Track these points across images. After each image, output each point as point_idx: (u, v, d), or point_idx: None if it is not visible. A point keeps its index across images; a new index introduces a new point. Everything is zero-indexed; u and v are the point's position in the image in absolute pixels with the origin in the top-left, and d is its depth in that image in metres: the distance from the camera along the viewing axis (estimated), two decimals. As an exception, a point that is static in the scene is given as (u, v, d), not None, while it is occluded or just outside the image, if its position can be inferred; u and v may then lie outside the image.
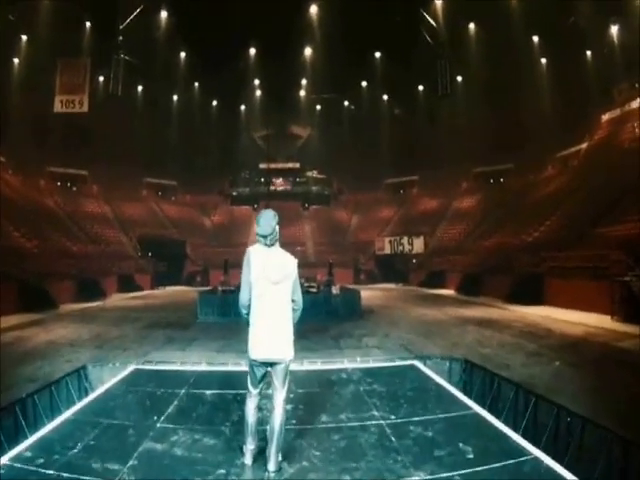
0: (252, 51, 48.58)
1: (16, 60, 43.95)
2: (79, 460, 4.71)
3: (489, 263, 32.08)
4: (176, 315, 22.38)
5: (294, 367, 8.79)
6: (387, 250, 47.91)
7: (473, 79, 46.17)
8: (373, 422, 5.70)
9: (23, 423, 6.10)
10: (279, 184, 59.22)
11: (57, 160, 48.70)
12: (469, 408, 6.16)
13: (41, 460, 4.66)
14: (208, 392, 7.06)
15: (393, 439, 5.19)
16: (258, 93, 55.46)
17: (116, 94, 40.08)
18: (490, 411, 6.21)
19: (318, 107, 57.13)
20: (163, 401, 6.62)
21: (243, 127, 59.66)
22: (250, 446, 4.81)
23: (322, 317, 19.83)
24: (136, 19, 39.44)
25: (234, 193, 59.56)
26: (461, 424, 5.63)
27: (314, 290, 23.76)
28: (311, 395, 6.86)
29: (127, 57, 40.16)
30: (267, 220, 4.85)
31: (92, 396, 7.00)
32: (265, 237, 4.82)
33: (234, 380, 7.29)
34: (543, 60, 43.87)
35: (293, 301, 4.89)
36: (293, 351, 4.84)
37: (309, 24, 43.68)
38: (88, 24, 42.13)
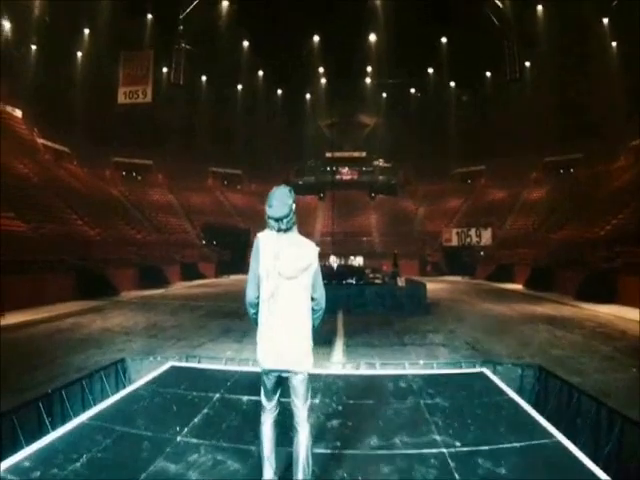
0: (316, 38, 47.77)
1: (79, 53, 44.88)
2: (79, 477, 4.12)
3: (559, 257, 30.39)
4: (236, 304, 21.72)
5: (349, 371, 8.14)
6: (454, 242, 46.36)
7: (542, 64, 44.20)
8: (433, 450, 4.63)
9: (47, 422, 5.57)
10: (345, 173, 58.23)
11: (122, 150, 49.17)
12: (550, 435, 4.96)
13: (37, 473, 4.15)
14: (245, 398, 6.18)
15: (457, 477, 4.12)
16: (323, 81, 54.65)
17: (178, 83, 40.17)
18: (567, 431, 5.13)
19: (384, 95, 55.90)
20: (192, 407, 5.86)
21: (309, 116, 58.90)
22: (268, 476, 3.95)
23: (386, 310, 18.89)
24: (197, 8, 39.25)
25: (300, 182, 58.56)
26: (540, 458, 4.50)
27: (379, 281, 22.94)
28: (362, 408, 5.85)
29: (188, 46, 40.04)
30: (281, 198, 3.92)
31: (114, 397, 6.31)
32: (278, 220, 3.90)
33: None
34: (614, 44, 41.40)
35: (313, 299, 4.01)
36: (312, 360, 4.01)
37: (374, 9, 42.74)
38: (150, 16, 42.40)
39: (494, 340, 13.48)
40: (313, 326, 4.04)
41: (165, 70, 44.65)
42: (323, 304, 4.08)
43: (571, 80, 41.62)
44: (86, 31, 43.65)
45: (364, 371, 7.89)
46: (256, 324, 3.98)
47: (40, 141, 43.22)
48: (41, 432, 5.29)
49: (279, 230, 3.91)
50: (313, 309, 4.01)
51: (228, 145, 54.02)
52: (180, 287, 32.20)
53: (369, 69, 52.12)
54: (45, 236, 27.62)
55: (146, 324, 16.46)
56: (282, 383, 4.05)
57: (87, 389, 6.58)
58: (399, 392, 6.49)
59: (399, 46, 41.93)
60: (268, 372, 3.96)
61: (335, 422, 5.14)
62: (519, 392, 6.65)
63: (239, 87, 55.23)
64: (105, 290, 25.19)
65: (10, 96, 41.22)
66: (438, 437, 4.89)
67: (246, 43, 48.59)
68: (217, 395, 6.30)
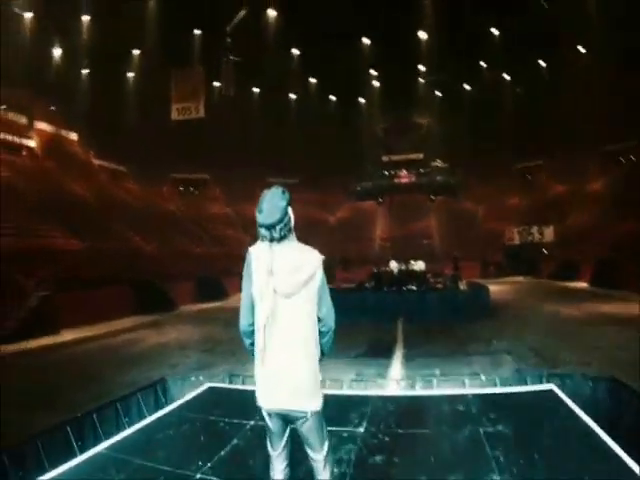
0: (366, 40, 47.09)
1: (130, 74, 46.04)
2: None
3: (626, 253, 28.94)
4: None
5: (401, 392, 7.20)
6: (516, 240, 45.11)
7: (598, 48, 42.06)
8: (493, 496, 3.77)
9: (76, 447, 5.25)
10: (403, 176, 56.86)
11: (179, 166, 49.60)
12: (631, 472, 3.95)
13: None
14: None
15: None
16: (376, 84, 53.82)
17: (229, 96, 40.18)
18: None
19: (438, 93, 54.63)
20: (221, 436, 5.26)
21: (363, 120, 58.02)
22: None
23: (448, 316, 18.08)
24: (243, 19, 39.20)
25: (357, 188, 57.94)
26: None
27: (440, 286, 22.19)
28: (412, 440, 5.03)
29: (236, 58, 39.96)
30: (273, 201, 3.31)
31: (141, 423, 5.85)
32: (270, 228, 3.27)
33: (329, 407, 5.80)
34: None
35: (319, 320, 3.37)
36: (321, 397, 3.33)
37: (422, 6, 41.99)
38: (197, 31, 42.78)
39: (562, 346, 12.52)
40: (322, 353, 3.44)
41: (216, 84, 44.77)
42: (332, 324, 3.44)
43: (630, 64, 39.63)
44: (135, 52, 44.54)
45: (418, 391, 7.02)
46: (254, 356, 3.36)
47: (96, 162, 44.24)
48: (69, 457, 4.94)
49: (272, 240, 3.28)
50: (320, 332, 3.39)
51: (283, 155, 53.70)
52: (238, 299, 31.80)
53: (421, 68, 51.06)
54: (101, 253, 27.91)
55: (202, 338, 16.50)
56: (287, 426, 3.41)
57: (122, 411, 6.25)
58: (456, 417, 5.63)
59: (450, 42, 41.04)
60: (269, 413, 3.31)
61: (379, 458, 4.45)
62: (591, 409, 5.62)
63: (291, 96, 55.01)
64: (163, 304, 25.34)
65: (65, 120, 42.57)
66: (499, 478, 4.01)
67: (295, 51, 48.24)
68: (252, 422, 5.56)
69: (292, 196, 3.42)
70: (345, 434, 5.11)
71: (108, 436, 5.52)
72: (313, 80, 53.72)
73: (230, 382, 7.64)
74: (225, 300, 30.87)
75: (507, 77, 51.88)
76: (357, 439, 4.97)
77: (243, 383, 7.55)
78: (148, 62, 43.16)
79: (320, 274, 3.34)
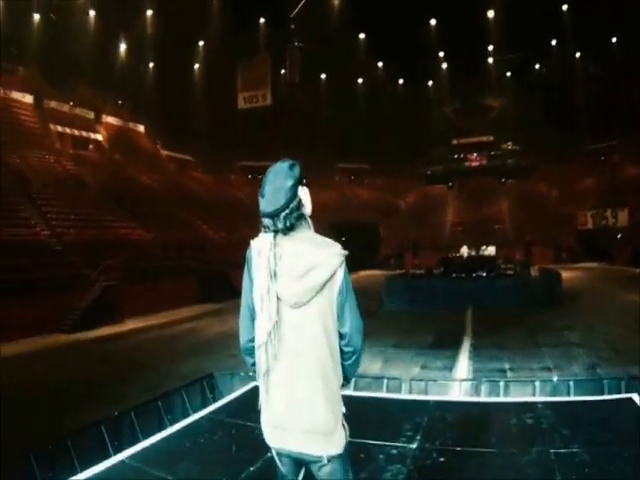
0: (433, 22, 46.07)
1: (196, 65, 46.54)
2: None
3: None
4: (362, 302, 20.75)
5: (465, 398, 6.53)
6: (589, 225, 43.16)
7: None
8: None
9: (110, 448, 5.10)
10: (473, 159, 55.77)
11: (247, 154, 49.78)
12: None
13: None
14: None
15: None
16: (444, 66, 52.66)
17: (295, 83, 39.95)
18: None
19: (508, 74, 52.89)
20: (256, 447, 4.30)
21: (432, 103, 56.74)
22: None
23: (519, 304, 17.32)
24: (308, 5, 38.86)
25: (428, 172, 57.14)
26: None
27: (511, 272, 21.41)
28: (470, 462, 4.26)
29: (302, 44, 39.69)
30: (275, 182, 2.54)
31: (170, 429, 5.46)
32: (273, 217, 2.51)
33: (381, 416, 5.32)
34: None
35: (341, 337, 2.54)
36: (343, 437, 2.52)
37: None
38: (262, 19, 42.80)
39: (638, 338, 11.73)
40: (346, 378, 2.62)
41: (282, 71, 44.72)
42: (358, 342, 2.58)
43: None
44: (201, 43, 44.92)
45: (482, 398, 6.31)
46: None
47: (164, 153, 44.88)
48: (105, 457, 4.76)
49: (276, 231, 2.51)
50: (342, 351, 2.55)
51: (353, 140, 53.17)
52: None
53: (490, 48, 49.59)
54: (168, 243, 28.19)
55: None
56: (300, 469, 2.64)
57: (164, 409, 6.05)
58: (523, 432, 4.84)
59: (519, 20, 39.57)
60: (279, 453, 2.56)
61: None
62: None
63: (359, 81, 54.30)
64: (229, 293, 25.21)
65: (133, 113, 43.83)
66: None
67: (362, 35, 47.60)
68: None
69: (302, 171, 2.62)
70: (394, 451, 4.44)
71: (147, 435, 5.29)
72: (380, 64, 52.82)
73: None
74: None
75: (579, 55, 49.89)
76: (407, 458, 4.29)
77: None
78: (214, 52, 43.44)
79: (341, 276, 2.50)
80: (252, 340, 2.54)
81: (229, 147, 46.92)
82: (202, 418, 5.76)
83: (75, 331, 18.25)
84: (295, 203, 2.52)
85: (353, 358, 2.58)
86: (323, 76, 52.44)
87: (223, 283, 25.54)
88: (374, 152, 53.58)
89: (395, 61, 48.20)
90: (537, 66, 51.65)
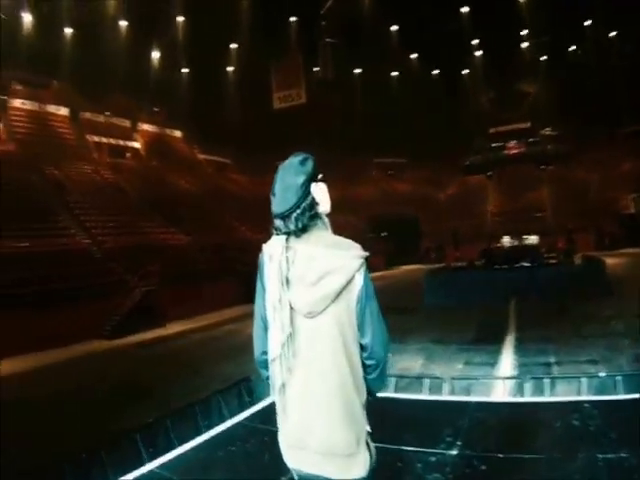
0: (465, 9, 45.45)
1: (229, 68, 46.95)
2: None
3: None
4: (403, 297, 20.75)
5: (508, 398, 6.24)
6: (631, 209, 41.92)
7: None
8: None
9: (144, 455, 4.99)
10: (512, 147, 54.70)
11: (283, 154, 49.53)
12: None
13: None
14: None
15: None
16: (478, 54, 51.96)
17: (328, 79, 39.83)
18: None
19: (543, 57, 51.88)
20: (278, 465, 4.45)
21: (468, 93, 56.28)
22: None
23: (562, 294, 16.86)
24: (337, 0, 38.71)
25: (466, 163, 56.44)
26: None
27: (554, 261, 20.98)
28: (514, 469, 3.98)
29: (333, 40, 39.52)
30: (286, 179, 2.38)
31: (206, 435, 5.42)
32: (284, 217, 2.31)
33: (420, 419, 5.10)
34: None
35: (363, 349, 2.28)
36: (367, 459, 2.25)
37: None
38: (293, 18, 42.91)
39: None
40: (370, 394, 2.35)
41: (315, 68, 44.64)
42: (382, 354, 2.29)
43: None
44: (232, 45, 44.97)
45: (527, 398, 6.01)
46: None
47: (201, 157, 45.30)
48: (138, 466, 4.74)
49: (288, 234, 2.31)
50: (365, 365, 2.29)
51: (389, 134, 52.83)
52: None
53: (524, 32, 48.79)
54: (208, 246, 28.38)
55: None
56: None
57: (200, 415, 5.96)
58: (569, 435, 4.52)
59: (551, 1, 38.94)
60: (297, 474, 2.32)
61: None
62: None
63: (393, 74, 53.90)
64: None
65: (169, 119, 44.43)
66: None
67: (394, 27, 47.19)
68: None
69: (316, 165, 2.43)
70: (433, 458, 4.21)
71: (182, 442, 5.22)
72: (414, 55, 52.36)
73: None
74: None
75: (614, 34, 48.70)
76: (446, 466, 4.05)
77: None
78: (246, 54, 43.60)
79: (360, 281, 2.23)
80: (266, 352, 2.34)
81: (265, 148, 46.93)
82: (236, 425, 5.70)
83: (116, 337, 18.56)
84: (308, 202, 2.33)
85: (376, 372, 2.31)
86: (357, 71, 52.16)
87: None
88: (411, 145, 53.22)
89: (428, 52, 47.79)
90: (572, 48, 50.60)
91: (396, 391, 6.56)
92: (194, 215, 32.21)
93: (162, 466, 4.64)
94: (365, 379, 2.30)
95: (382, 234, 43.43)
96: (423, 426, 4.84)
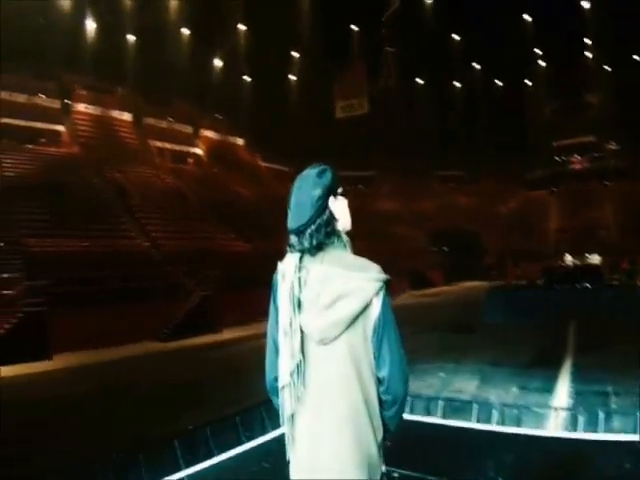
0: (527, 18, 44.76)
1: (291, 77, 47.54)
2: None
3: None
4: (462, 315, 20.47)
5: (558, 433, 5.88)
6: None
7: None
8: None
9: (182, 462, 5.05)
10: (575, 162, 53.61)
11: (345, 164, 49.78)
12: None
13: None
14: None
15: None
16: (542, 63, 51.02)
17: (390, 88, 39.73)
18: None
19: (608, 68, 50.45)
20: None
21: (531, 103, 55.31)
22: None
23: (625, 317, 16.19)
24: (398, 9, 38.57)
25: (528, 177, 55.39)
26: None
27: (616, 283, 20.34)
28: None
29: (394, 49, 39.40)
30: (301, 192, 2.19)
31: (240, 448, 5.39)
32: (299, 234, 2.13)
33: (463, 450, 4.84)
34: None
35: (380, 382, 2.07)
36: None
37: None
38: (354, 27, 42.91)
39: None
40: (387, 431, 2.13)
41: (376, 77, 44.57)
42: (400, 390, 2.08)
43: None
44: (295, 54, 45.44)
45: (579, 433, 5.54)
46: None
47: (263, 165, 45.54)
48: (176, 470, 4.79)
49: (302, 251, 2.12)
50: (382, 400, 2.08)
51: (451, 146, 52.37)
52: (407, 297, 31.74)
53: (588, 41, 47.70)
54: (267, 253, 28.43)
55: None
56: None
57: (241, 426, 5.98)
58: None
59: (615, 9, 38.30)
60: None
61: None
62: None
63: (455, 83, 53.35)
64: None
65: (231, 127, 45.19)
66: None
67: (456, 36, 46.74)
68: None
69: (336, 178, 2.27)
70: None
71: (221, 451, 5.20)
72: (477, 65, 51.78)
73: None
74: (393, 299, 30.11)
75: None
76: None
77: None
78: (308, 63, 43.82)
79: (378, 307, 2.04)
80: (276, 379, 2.15)
81: (327, 157, 46.98)
82: (274, 439, 5.57)
83: (172, 339, 18.95)
84: (325, 217, 2.15)
85: (394, 409, 2.10)
86: (419, 81, 51.71)
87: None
88: (473, 157, 52.60)
89: (491, 61, 47.22)
90: (637, 57, 49.14)
91: (444, 416, 6.35)
92: (254, 222, 32.54)
93: (197, 474, 4.62)
94: (382, 415, 2.10)
95: (442, 248, 43.11)
96: (465, 457, 4.66)
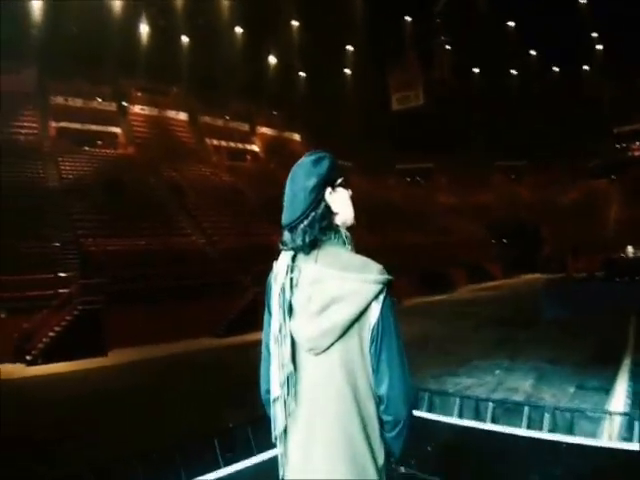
0: (583, 1, 43.56)
1: (347, 70, 47.15)
2: None
3: None
4: (519, 309, 20.19)
5: (610, 443, 5.25)
6: None
7: None
8: None
9: (220, 460, 5.02)
10: (637, 149, 52.25)
11: (403, 157, 49.59)
12: None
13: None
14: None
15: None
16: (599, 47, 49.56)
17: (444, 79, 39.28)
18: None
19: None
20: None
21: (589, 90, 53.39)
22: None
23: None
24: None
25: (589, 166, 53.88)
26: None
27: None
28: None
29: (448, 39, 38.86)
30: (297, 183, 1.91)
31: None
32: (292, 229, 1.88)
33: (507, 460, 4.43)
34: None
35: (380, 400, 1.77)
36: None
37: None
38: (407, 18, 42.36)
39: None
40: (390, 454, 1.82)
41: (431, 68, 44.09)
42: (402, 411, 1.76)
43: None
44: (349, 47, 45.31)
45: (633, 445, 4.82)
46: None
47: (319, 159, 45.90)
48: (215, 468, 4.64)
49: (295, 250, 1.87)
50: (382, 419, 1.78)
51: (509, 137, 51.27)
52: (465, 291, 31.48)
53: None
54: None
55: (417, 334, 15.89)
56: None
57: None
58: None
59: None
60: None
61: None
62: None
63: (512, 72, 52.20)
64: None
65: (287, 122, 45.88)
66: None
67: (511, 23, 45.81)
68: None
69: (335, 166, 1.95)
70: None
71: (261, 450, 4.97)
72: (534, 52, 50.52)
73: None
74: (450, 292, 30.46)
75: None
76: None
77: (431, 398, 6.63)
78: (362, 56, 43.53)
79: (376, 314, 1.74)
80: (269, 391, 1.89)
81: (384, 150, 46.92)
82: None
83: (227, 335, 19.34)
84: (319, 211, 1.86)
85: (396, 430, 1.78)
86: (474, 70, 50.85)
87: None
88: (532, 147, 51.47)
89: (548, 48, 46.04)
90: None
91: (493, 419, 6.14)
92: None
93: (236, 473, 4.53)
94: (383, 436, 1.80)
95: (502, 241, 42.59)
96: (507, 468, 4.23)
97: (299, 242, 1.84)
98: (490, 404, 6.46)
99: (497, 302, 24.27)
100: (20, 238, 20.17)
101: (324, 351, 1.74)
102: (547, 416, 6.14)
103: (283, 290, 1.81)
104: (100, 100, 35.44)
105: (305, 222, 1.84)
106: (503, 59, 48.21)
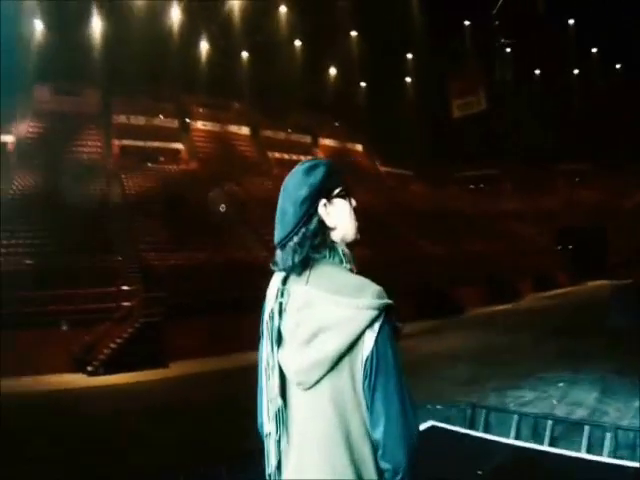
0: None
1: (407, 79, 47.22)
2: None
3: None
4: (585, 318, 19.73)
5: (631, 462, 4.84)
6: None
7: None
8: None
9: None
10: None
11: (466, 164, 49.12)
12: None
13: None
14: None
15: None
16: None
17: (506, 82, 38.75)
18: None
19: None
20: None
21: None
22: None
23: None
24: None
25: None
26: None
27: None
28: None
29: (507, 41, 38.32)
30: (287, 195, 1.70)
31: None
32: (283, 247, 1.67)
33: None
34: None
35: (377, 444, 1.51)
36: None
37: None
38: (466, 22, 41.96)
39: None
40: None
41: (492, 72, 43.57)
42: (401, 458, 1.48)
43: None
44: (409, 55, 45.36)
45: None
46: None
47: (383, 169, 45.65)
48: None
49: (285, 270, 1.68)
50: (380, 469, 1.52)
51: (575, 139, 50.10)
52: (531, 300, 30.86)
53: None
54: (390, 261, 28.31)
55: (479, 346, 15.87)
56: None
57: None
58: None
59: None
60: None
61: None
62: None
63: (575, 71, 50.82)
64: (447, 309, 25.04)
65: (350, 133, 45.87)
66: None
67: (571, 21, 44.83)
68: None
69: (331, 175, 1.72)
70: None
71: None
72: (594, 50, 49.09)
73: (472, 414, 6.50)
74: (516, 302, 29.73)
75: None
76: None
77: (487, 416, 6.43)
78: (423, 64, 43.39)
79: (370, 344, 1.51)
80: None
81: (447, 158, 46.59)
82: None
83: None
84: (311, 226, 1.65)
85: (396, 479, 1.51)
86: (537, 71, 49.65)
87: (443, 299, 25.83)
88: (597, 149, 50.20)
89: (611, 45, 44.81)
90: None
91: (551, 440, 5.89)
92: (376, 229, 32.26)
93: None
94: None
95: (569, 247, 41.78)
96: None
97: (289, 262, 1.64)
98: (549, 422, 6.27)
99: (562, 310, 23.81)
100: (84, 253, 20.73)
101: (313, 386, 1.56)
102: (609, 436, 5.91)
103: (272, 317, 1.67)
104: (162, 117, 36.29)
105: (295, 239, 1.64)
106: (564, 59, 47.21)
